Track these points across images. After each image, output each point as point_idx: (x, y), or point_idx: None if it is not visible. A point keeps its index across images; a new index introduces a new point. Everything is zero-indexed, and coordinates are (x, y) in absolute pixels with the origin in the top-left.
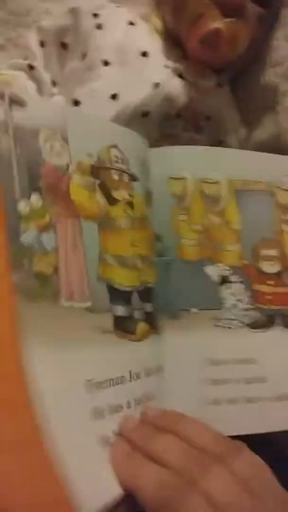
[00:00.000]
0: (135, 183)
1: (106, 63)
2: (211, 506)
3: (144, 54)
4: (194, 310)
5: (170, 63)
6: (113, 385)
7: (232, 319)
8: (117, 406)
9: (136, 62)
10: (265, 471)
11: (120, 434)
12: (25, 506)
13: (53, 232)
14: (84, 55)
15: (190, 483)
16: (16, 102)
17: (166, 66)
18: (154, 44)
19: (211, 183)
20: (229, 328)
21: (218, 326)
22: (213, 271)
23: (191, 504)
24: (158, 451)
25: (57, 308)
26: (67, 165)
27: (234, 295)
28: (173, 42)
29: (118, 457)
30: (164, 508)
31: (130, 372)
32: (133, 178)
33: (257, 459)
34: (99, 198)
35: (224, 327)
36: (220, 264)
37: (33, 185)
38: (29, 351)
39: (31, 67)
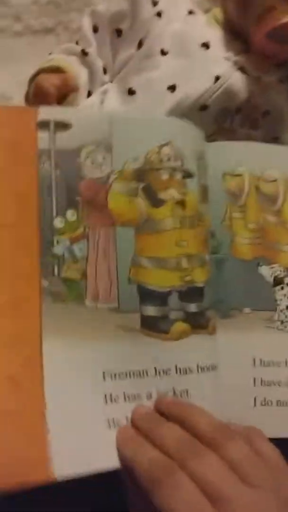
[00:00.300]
0: (189, 180)
1: (164, 53)
2: (199, 487)
3: (205, 45)
4: (246, 310)
5: (231, 56)
6: (133, 377)
7: (285, 322)
8: (134, 395)
9: (196, 53)
10: (275, 464)
11: (131, 418)
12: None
13: (86, 241)
14: (140, 44)
15: (180, 465)
16: (60, 126)
17: (227, 59)
18: (215, 35)
19: (268, 181)
20: (282, 330)
21: (271, 327)
22: (267, 272)
23: (178, 483)
24: (159, 437)
25: (81, 308)
26: (108, 176)
27: None
28: (234, 34)
29: (122, 438)
30: (155, 487)
31: (155, 368)
32: (187, 175)
33: (268, 450)
34: (140, 202)
35: (277, 328)
36: (275, 265)
37: (70, 201)
38: (48, 344)
39: (85, 53)
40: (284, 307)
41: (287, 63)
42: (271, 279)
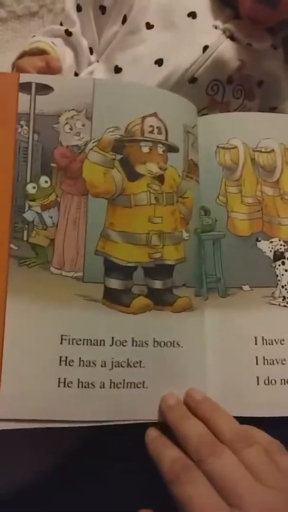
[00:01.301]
0: (173, 154)
1: (149, 26)
2: (214, 482)
3: (191, 14)
4: (246, 287)
5: (219, 24)
6: (89, 344)
7: (287, 297)
8: (90, 362)
9: (183, 24)
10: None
11: (159, 407)
12: None
13: (57, 209)
14: (124, 19)
15: (199, 460)
16: (41, 89)
17: (216, 27)
18: (202, 4)
19: (264, 152)
20: (285, 306)
21: (272, 304)
22: (267, 247)
23: (194, 479)
24: (183, 432)
25: (46, 274)
26: (85, 144)
27: None
28: (222, 1)
29: (150, 438)
30: (174, 483)
31: (112, 338)
32: (171, 149)
33: (286, 461)
34: (116, 174)
35: (279, 305)
36: (274, 239)
37: (45, 167)
38: (12, 304)
39: (68, 33)
40: (286, 282)
41: (279, 28)
42: (270, 254)
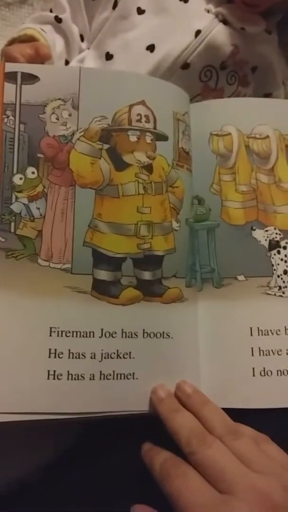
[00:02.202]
0: (162, 143)
1: (140, 11)
2: (205, 472)
3: None
4: (241, 277)
5: (211, 8)
6: (79, 336)
7: (283, 287)
8: (79, 354)
9: (174, 8)
10: (280, 461)
11: (149, 399)
12: None
13: (44, 200)
14: (115, 4)
15: (190, 451)
16: (27, 79)
17: (208, 11)
18: None
19: (259, 138)
20: (280, 296)
21: (268, 294)
22: (262, 235)
23: (183, 472)
24: (174, 427)
25: (34, 266)
26: (72, 134)
27: (286, 260)
28: None
29: (145, 450)
30: (165, 480)
31: (102, 330)
32: (159, 137)
33: (274, 450)
34: (103, 164)
35: (275, 295)
36: (269, 228)
37: (31, 158)
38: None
39: (58, 20)
40: (282, 272)
41: (272, 12)
42: (266, 243)
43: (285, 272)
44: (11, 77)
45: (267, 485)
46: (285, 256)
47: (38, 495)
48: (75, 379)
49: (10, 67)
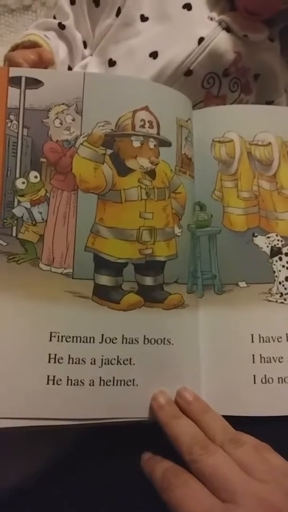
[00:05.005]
0: (165, 149)
1: (144, 19)
2: (207, 481)
3: (186, 6)
4: (242, 284)
5: (214, 15)
6: (79, 342)
7: (284, 294)
8: (79, 359)
9: (178, 16)
10: (282, 469)
11: (150, 405)
12: None
13: (47, 205)
14: (119, 11)
15: (192, 459)
16: (31, 83)
17: (211, 19)
18: None
19: (261, 145)
20: (282, 303)
21: (269, 301)
22: (264, 242)
23: (185, 482)
24: (175, 434)
25: (35, 271)
26: (75, 139)
27: (287, 267)
28: None
29: (145, 460)
30: (166, 490)
31: (102, 336)
32: (163, 143)
33: (275, 458)
34: (106, 170)
35: (276, 302)
36: (271, 234)
37: (34, 162)
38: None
39: (62, 26)
40: (283, 278)
41: (275, 20)
42: (267, 250)
43: (286, 278)
44: (15, 81)
45: (269, 494)
46: (287, 262)
47: (35, 503)
48: (74, 384)
49: (14, 71)
